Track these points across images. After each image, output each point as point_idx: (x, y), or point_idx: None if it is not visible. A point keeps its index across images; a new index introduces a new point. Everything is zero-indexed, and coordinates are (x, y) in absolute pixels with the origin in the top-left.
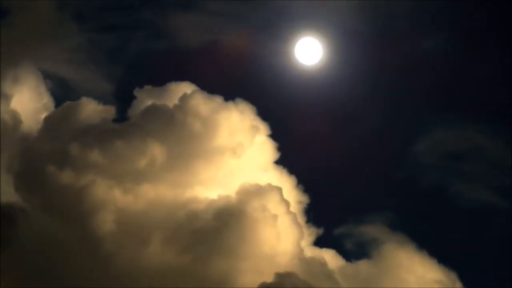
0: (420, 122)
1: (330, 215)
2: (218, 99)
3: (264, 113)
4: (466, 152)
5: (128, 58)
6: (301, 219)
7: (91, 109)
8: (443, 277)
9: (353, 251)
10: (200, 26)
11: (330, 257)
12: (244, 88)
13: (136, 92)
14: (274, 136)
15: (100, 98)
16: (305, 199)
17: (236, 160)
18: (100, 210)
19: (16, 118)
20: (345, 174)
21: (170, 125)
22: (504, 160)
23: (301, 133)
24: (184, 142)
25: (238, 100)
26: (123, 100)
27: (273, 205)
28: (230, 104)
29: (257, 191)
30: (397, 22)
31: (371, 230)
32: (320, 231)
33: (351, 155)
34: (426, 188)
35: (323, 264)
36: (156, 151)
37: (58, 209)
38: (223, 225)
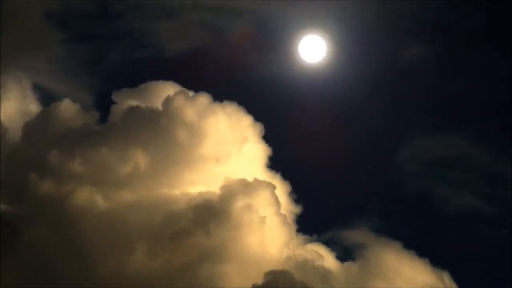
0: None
1: (317, 221)
2: (206, 100)
3: (259, 115)
4: (450, 159)
5: (108, 68)
6: (291, 220)
7: (71, 113)
8: (433, 277)
9: (340, 257)
10: (183, 34)
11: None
12: (242, 89)
13: (115, 95)
14: (267, 138)
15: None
16: (296, 209)
17: (221, 167)
18: (82, 217)
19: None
20: (332, 179)
21: (153, 127)
22: (488, 166)
23: (294, 135)
24: (167, 145)
25: (227, 101)
26: (104, 107)
27: (262, 204)
28: (219, 105)
29: (243, 188)
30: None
31: (357, 235)
32: (307, 237)
33: (341, 159)
34: (411, 194)
35: (314, 262)
36: (138, 155)
37: (41, 218)
38: (206, 225)
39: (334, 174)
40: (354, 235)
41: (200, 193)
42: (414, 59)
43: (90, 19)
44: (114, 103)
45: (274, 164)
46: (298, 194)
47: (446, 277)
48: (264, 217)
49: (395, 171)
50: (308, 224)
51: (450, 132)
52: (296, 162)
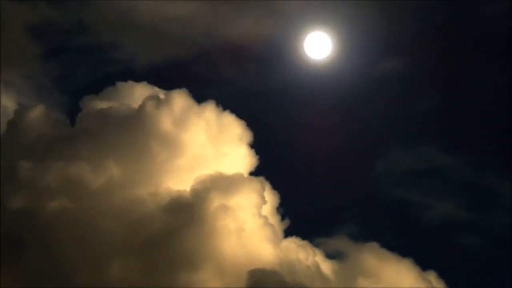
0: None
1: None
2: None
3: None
4: (425, 170)
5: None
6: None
7: (41, 120)
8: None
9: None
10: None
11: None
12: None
13: (82, 102)
14: (256, 143)
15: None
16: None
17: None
18: (54, 229)
19: None
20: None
21: (125, 131)
22: (462, 176)
23: (282, 141)
24: (142, 150)
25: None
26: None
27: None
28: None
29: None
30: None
31: (335, 242)
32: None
33: (331, 162)
34: (389, 203)
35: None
36: (111, 162)
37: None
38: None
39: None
40: (332, 242)
41: (174, 195)
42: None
43: (64, 32)
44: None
45: (259, 170)
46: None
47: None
48: (246, 216)
49: (372, 181)
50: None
51: (423, 145)
52: (282, 168)
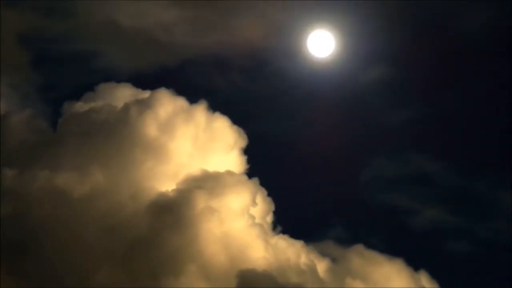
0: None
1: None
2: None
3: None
4: (411, 177)
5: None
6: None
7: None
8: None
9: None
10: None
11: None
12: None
13: (64, 108)
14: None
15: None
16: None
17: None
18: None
19: None
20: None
21: (110, 133)
22: (448, 182)
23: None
24: (125, 150)
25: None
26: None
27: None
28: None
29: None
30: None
31: (323, 245)
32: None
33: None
34: (377, 208)
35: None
36: (93, 166)
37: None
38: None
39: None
40: (320, 246)
41: (158, 196)
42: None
43: (50, 41)
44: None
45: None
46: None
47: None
48: (235, 217)
49: (359, 187)
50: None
51: (409, 152)
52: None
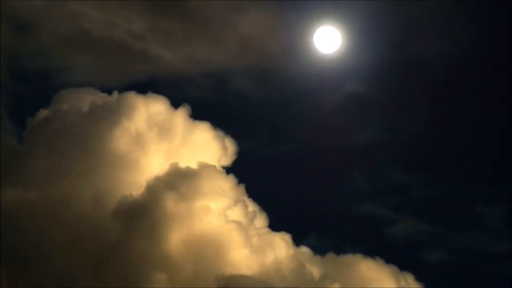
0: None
1: None
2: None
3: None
4: (387, 188)
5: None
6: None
7: None
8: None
9: None
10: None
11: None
12: None
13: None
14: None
15: None
16: None
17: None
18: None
19: None
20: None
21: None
22: (423, 192)
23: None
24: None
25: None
26: None
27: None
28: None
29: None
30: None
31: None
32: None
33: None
34: (357, 217)
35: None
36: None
37: None
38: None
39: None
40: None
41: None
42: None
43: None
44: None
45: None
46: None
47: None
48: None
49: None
50: None
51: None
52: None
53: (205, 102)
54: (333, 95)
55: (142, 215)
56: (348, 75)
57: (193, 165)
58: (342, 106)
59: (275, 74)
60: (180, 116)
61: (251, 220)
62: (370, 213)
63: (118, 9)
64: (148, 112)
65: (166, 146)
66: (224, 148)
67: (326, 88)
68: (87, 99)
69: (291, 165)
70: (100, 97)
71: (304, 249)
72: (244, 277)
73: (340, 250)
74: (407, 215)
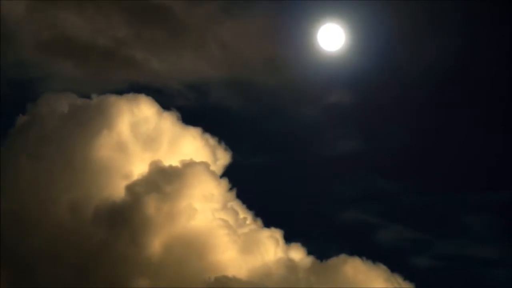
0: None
1: None
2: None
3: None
4: (370, 196)
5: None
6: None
7: None
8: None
9: None
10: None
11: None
12: None
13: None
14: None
15: None
16: None
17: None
18: None
19: None
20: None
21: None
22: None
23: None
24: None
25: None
26: None
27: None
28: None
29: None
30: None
31: None
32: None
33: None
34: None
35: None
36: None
37: None
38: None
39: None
40: None
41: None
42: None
43: None
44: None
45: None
46: None
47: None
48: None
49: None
50: None
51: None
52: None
53: (188, 109)
54: (315, 105)
55: (122, 219)
56: (334, 83)
57: (176, 163)
58: (324, 115)
59: (254, 85)
60: (165, 120)
61: (239, 221)
62: (356, 220)
63: (102, 16)
64: (129, 114)
65: (148, 149)
66: (214, 154)
67: (308, 98)
68: (65, 103)
69: (273, 175)
70: (79, 101)
71: (295, 249)
72: (233, 279)
73: (327, 255)
74: (392, 222)
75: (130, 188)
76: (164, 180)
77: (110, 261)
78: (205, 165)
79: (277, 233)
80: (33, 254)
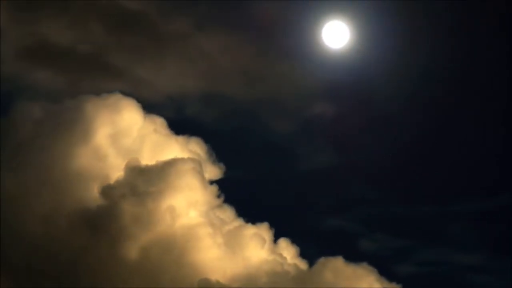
0: None
1: None
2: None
3: None
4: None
5: None
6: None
7: None
8: None
9: None
10: None
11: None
12: None
13: None
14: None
15: None
16: None
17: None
18: None
19: None
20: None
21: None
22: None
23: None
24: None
25: None
26: None
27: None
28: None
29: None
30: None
31: None
32: None
33: None
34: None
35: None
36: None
37: None
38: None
39: None
40: None
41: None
42: None
43: None
44: None
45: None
46: None
47: None
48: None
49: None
50: None
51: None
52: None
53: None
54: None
55: (97, 225)
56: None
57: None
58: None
59: (229, 97)
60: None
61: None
62: (339, 227)
63: (83, 23)
64: (105, 115)
65: (124, 151)
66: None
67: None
68: (39, 110)
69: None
70: (51, 107)
71: (282, 247)
72: (219, 283)
73: (312, 260)
74: (375, 230)
75: (104, 192)
76: (140, 179)
77: (85, 269)
78: (184, 161)
79: (265, 232)
80: (9, 266)
